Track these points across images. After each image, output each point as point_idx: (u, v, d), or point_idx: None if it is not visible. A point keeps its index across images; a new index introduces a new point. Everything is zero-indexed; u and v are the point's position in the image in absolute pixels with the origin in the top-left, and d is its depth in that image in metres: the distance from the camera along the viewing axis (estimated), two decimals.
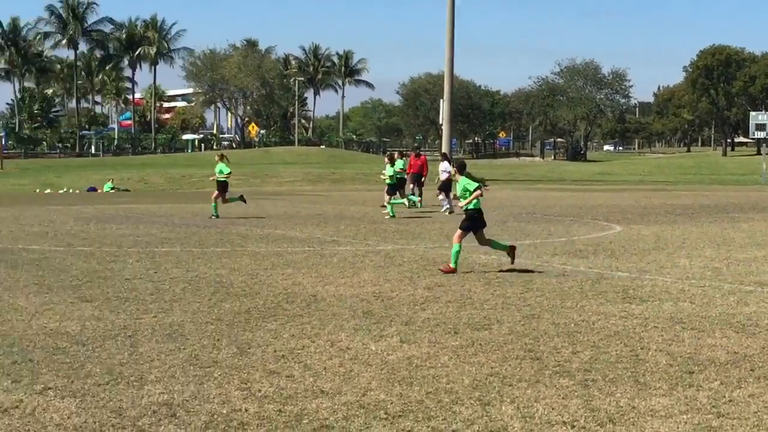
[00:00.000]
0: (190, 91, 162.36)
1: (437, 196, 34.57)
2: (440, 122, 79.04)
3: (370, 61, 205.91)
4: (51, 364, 9.35)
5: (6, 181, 69.01)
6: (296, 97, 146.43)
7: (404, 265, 17.49)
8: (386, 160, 33.34)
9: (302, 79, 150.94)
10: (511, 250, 16.92)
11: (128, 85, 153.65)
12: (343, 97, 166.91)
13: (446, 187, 33.26)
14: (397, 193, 32.65)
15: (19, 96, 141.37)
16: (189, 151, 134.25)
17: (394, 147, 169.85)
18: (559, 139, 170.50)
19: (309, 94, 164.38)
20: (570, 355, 9.92)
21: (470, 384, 8.71)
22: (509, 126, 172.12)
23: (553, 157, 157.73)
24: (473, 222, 16.74)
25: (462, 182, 16.86)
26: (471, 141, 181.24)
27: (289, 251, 19.99)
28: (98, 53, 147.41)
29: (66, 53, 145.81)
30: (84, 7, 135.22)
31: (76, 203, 40.81)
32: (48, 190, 62.82)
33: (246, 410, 7.84)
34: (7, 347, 10.14)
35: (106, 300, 13.29)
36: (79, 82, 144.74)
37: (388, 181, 31.74)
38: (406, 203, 32.79)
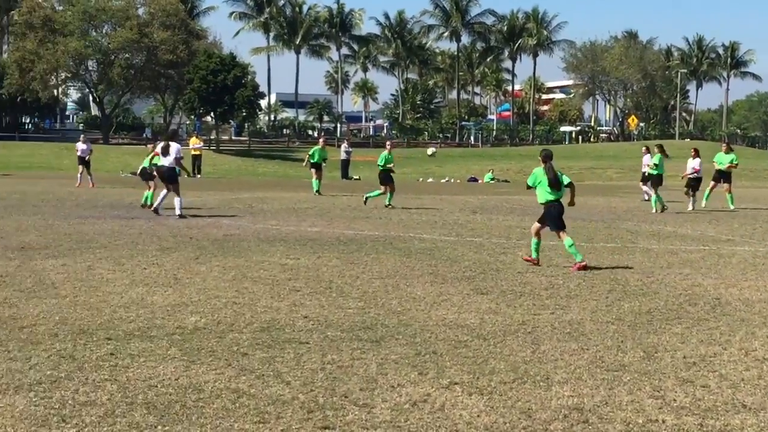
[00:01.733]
0: (569, 83, 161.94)
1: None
2: None
3: (757, 52, 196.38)
4: (454, 358, 9.20)
5: None
6: (678, 90, 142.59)
7: None
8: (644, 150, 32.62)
9: (685, 71, 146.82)
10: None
11: (507, 76, 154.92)
12: (727, 89, 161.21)
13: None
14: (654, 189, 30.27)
15: (402, 87, 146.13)
16: (566, 143, 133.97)
17: None
18: None
19: (691, 87, 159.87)
20: None
21: None
22: None
23: None
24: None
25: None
26: None
27: (683, 249, 19.16)
28: (479, 45, 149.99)
29: (448, 45, 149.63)
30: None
31: (459, 193, 41.40)
32: (430, 179, 64.44)
33: (663, 421, 7.33)
34: (410, 337, 10.10)
35: (501, 293, 13.10)
36: (460, 73, 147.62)
37: (652, 171, 30.57)
38: (655, 207, 29.97)
